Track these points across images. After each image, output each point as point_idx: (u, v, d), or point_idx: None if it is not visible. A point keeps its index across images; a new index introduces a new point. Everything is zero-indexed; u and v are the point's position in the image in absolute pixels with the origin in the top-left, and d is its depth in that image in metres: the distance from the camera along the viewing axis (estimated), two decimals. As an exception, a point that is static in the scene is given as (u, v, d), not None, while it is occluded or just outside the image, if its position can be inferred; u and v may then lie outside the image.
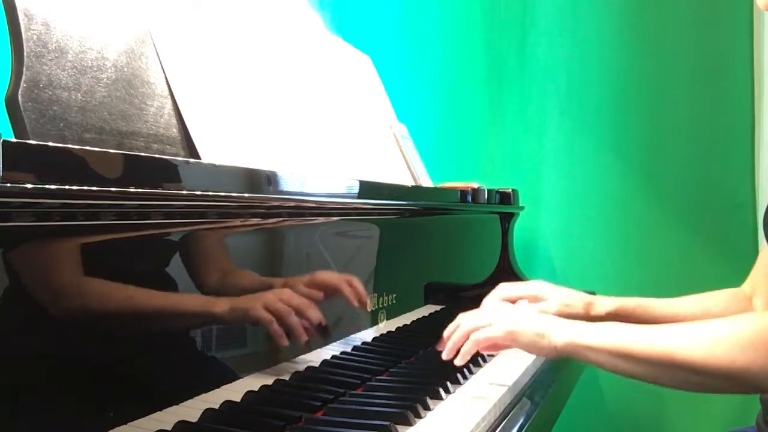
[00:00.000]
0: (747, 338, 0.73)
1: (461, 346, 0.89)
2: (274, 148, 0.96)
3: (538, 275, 1.83)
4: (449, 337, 0.91)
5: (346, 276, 0.98)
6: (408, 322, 1.20)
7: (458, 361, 0.88)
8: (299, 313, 0.84)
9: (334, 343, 0.95)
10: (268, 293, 0.81)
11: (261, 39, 1.08)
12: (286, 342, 0.81)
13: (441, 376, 0.92)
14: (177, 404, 0.67)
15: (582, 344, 0.83)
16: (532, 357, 1.09)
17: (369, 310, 1.06)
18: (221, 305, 0.73)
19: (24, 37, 0.68)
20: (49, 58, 0.69)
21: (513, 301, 1.08)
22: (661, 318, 1.07)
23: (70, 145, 0.53)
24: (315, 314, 0.87)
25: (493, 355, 1.08)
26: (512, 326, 0.87)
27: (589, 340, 0.83)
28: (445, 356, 0.90)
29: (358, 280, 1.00)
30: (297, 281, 0.86)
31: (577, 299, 1.09)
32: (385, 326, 1.11)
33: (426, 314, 1.28)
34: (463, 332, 0.89)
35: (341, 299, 0.97)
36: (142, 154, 0.63)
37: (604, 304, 1.09)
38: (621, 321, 1.07)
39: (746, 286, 1.13)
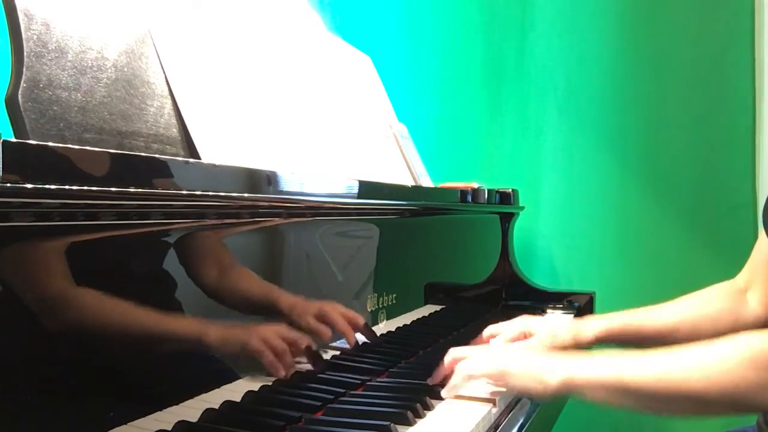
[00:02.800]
0: (748, 361, 0.72)
1: (448, 374, 0.88)
2: (274, 148, 0.96)
3: (538, 275, 1.83)
4: (440, 375, 0.89)
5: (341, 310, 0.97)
6: (408, 322, 1.20)
7: (444, 393, 0.86)
8: (296, 347, 0.84)
9: (334, 343, 0.95)
10: (265, 329, 0.80)
11: (261, 39, 1.08)
12: (282, 373, 0.81)
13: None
14: (177, 404, 0.67)
15: (578, 384, 0.80)
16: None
17: (369, 310, 1.06)
18: (214, 333, 0.73)
19: (24, 37, 0.68)
20: (49, 58, 0.69)
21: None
22: (653, 333, 1.06)
23: (69, 145, 0.53)
24: (311, 349, 0.86)
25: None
26: (507, 368, 0.84)
27: (584, 378, 0.80)
28: (430, 382, 0.89)
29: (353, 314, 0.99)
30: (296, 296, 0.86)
31: (563, 329, 1.08)
32: (385, 326, 1.11)
33: (426, 314, 1.28)
34: (452, 359, 0.87)
35: (341, 299, 0.97)
36: (142, 154, 0.63)
37: (590, 328, 1.08)
38: (610, 341, 1.06)
39: (740, 278, 1.12)
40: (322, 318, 0.91)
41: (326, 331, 0.92)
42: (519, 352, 0.91)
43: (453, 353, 0.89)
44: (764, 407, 0.74)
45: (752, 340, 0.74)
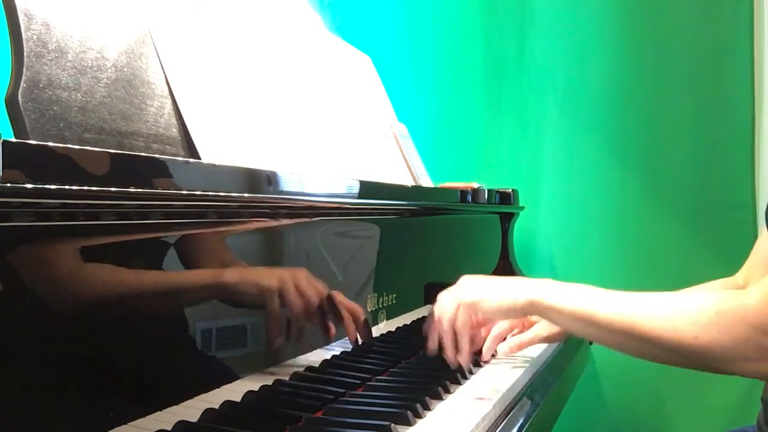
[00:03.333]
0: (712, 316, 0.72)
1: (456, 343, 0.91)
2: (274, 148, 0.96)
3: (538, 275, 1.83)
4: (434, 337, 0.93)
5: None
6: (408, 322, 1.20)
7: (464, 361, 0.89)
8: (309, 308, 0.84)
9: (334, 343, 0.95)
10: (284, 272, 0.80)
11: (261, 39, 1.08)
12: (282, 339, 0.81)
13: (441, 376, 0.92)
14: (177, 404, 0.66)
15: (545, 305, 0.84)
16: (532, 357, 1.09)
17: (369, 310, 1.06)
18: (232, 276, 0.73)
19: (24, 37, 0.68)
20: (49, 58, 0.69)
21: (506, 334, 1.09)
22: None
23: (69, 145, 0.53)
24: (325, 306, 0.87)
25: (493, 356, 1.08)
26: (475, 296, 0.89)
27: (552, 300, 0.83)
28: (449, 356, 0.91)
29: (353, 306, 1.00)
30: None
31: None
32: (385, 326, 1.11)
33: (426, 314, 1.28)
34: (445, 326, 0.92)
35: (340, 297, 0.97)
36: (142, 154, 0.63)
37: None
38: None
39: (739, 276, 1.12)
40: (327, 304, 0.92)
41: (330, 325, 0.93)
42: (488, 281, 0.95)
43: (437, 312, 0.94)
44: (718, 367, 0.74)
45: (724, 298, 0.75)
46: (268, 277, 0.79)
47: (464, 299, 0.92)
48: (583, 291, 0.84)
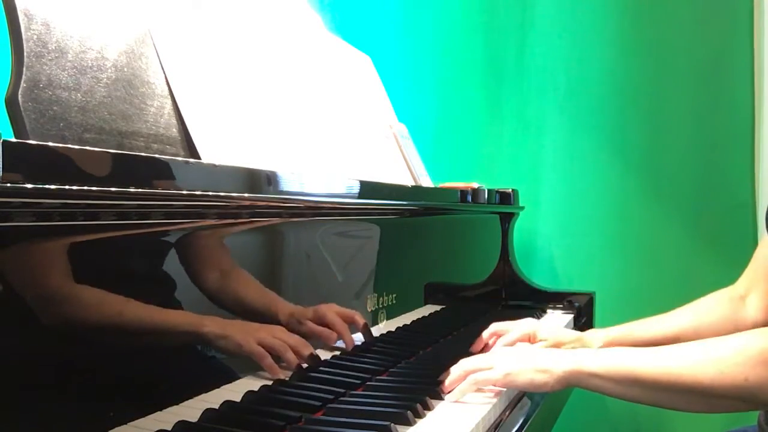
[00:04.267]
0: (758, 355, 0.72)
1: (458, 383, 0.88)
2: (274, 148, 0.96)
3: (538, 275, 1.83)
4: (453, 383, 0.89)
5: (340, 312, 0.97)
6: (408, 322, 1.20)
7: (452, 398, 0.86)
8: (294, 350, 0.83)
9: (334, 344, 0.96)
10: (261, 330, 0.80)
11: (261, 39, 1.08)
12: (278, 374, 0.81)
13: (441, 375, 0.92)
14: (177, 404, 0.67)
15: (586, 372, 0.81)
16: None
17: (369, 310, 1.06)
18: (213, 328, 0.72)
19: (24, 37, 0.68)
20: (49, 58, 0.69)
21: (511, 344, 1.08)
22: (654, 343, 1.06)
23: (70, 145, 0.53)
24: (308, 351, 0.86)
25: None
26: (510, 368, 0.85)
27: (592, 366, 0.81)
28: (446, 390, 0.88)
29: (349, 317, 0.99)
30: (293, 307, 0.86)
31: (568, 338, 1.09)
32: (385, 326, 1.11)
33: (426, 314, 1.28)
34: (462, 371, 0.87)
35: (341, 299, 0.97)
36: (142, 154, 0.63)
37: (594, 338, 1.09)
38: None
39: (740, 284, 1.12)
40: (320, 320, 0.92)
41: (329, 334, 0.92)
42: (528, 352, 0.91)
43: (463, 365, 0.88)
44: None
45: (763, 335, 0.75)
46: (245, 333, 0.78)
47: (500, 365, 0.86)
48: (620, 353, 0.82)
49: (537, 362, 0.84)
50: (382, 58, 1.62)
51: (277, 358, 0.81)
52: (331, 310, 0.94)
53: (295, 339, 0.84)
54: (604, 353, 0.83)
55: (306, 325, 0.88)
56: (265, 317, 0.82)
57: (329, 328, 0.93)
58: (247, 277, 0.80)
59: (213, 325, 0.72)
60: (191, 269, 0.70)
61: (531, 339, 1.10)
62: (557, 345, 1.07)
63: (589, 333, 1.12)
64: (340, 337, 0.95)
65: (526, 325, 1.13)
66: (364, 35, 1.76)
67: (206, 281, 0.72)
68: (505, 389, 0.89)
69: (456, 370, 0.88)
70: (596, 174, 1.87)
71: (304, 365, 0.85)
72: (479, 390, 0.87)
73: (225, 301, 0.75)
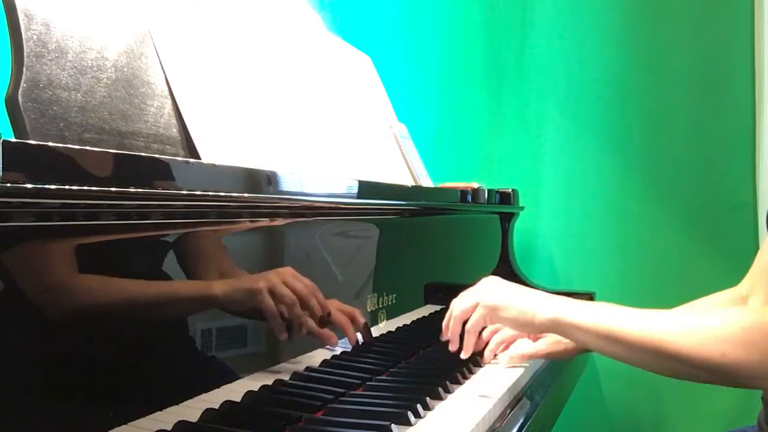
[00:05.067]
0: (740, 332, 0.72)
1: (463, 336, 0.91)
2: (274, 149, 0.96)
3: (538, 275, 1.84)
4: (447, 329, 0.92)
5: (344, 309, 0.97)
6: (408, 322, 1.20)
7: (464, 355, 0.89)
8: (303, 304, 0.83)
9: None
10: (271, 275, 0.80)
11: (261, 39, 1.08)
12: (283, 334, 0.81)
13: (441, 376, 0.92)
14: (177, 404, 0.67)
15: (569, 322, 0.82)
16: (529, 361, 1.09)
17: (369, 310, 1.06)
18: (221, 288, 0.73)
19: (24, 37, 0.68)
20: (49, 58, 0.69)
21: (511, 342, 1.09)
22: None
23: (69, 145, 0.53)
24: (314, 300, 0.86)
25: (494, 356, 1.08)
26: (495, 301, 0.87)
27: (576, 318, 0.82)
28: (452, 348, 0.91)
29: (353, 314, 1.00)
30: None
31: None
32: (385, 326, 1.11)
33: (426, 314, 1.28)
34: (457, 321, 0.91)
35: (341, 299, 0.97)
36: (142, 154, 0.63)
37: None
38: None
39: (743, 285, 1.12)
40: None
41: (330, 336, 0.93)
42: (509, 288, 0.93)
43: (453, 313, 0.93)
44: (746, 382, 0.75)
45: (750, 314, 0.75)
46: (255, 279, 0.79)
47: (484, 301, 0.91)
48: (606, 309, 0.83)
49: (523, 304, 0.86)
50: (382, 58, 1.62)
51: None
52: (332, 306, 0.94)
53: (303, 285, 0.83)
54: (589, 306, 0.84)
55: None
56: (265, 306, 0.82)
57: (331, 324, 0.93)
58: (247, 266, 0.79)
59: (221, 284, 0.73)
60: (191, 269, 0.70)
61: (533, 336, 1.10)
62: (555, 345, 1.06)
63: None
64: (342, 331, 0.95)
65: None
66: (364, 35, 1.76)
67: (206, 280, 0.72)
68: (507, 389, 0.89)
69: (451, 321, 0.92)
70: (596, 174, 1.87)
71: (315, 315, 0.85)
72: (480, 394, 0.87)
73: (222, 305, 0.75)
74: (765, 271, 1.08)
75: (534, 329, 0.85)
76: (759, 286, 1.09)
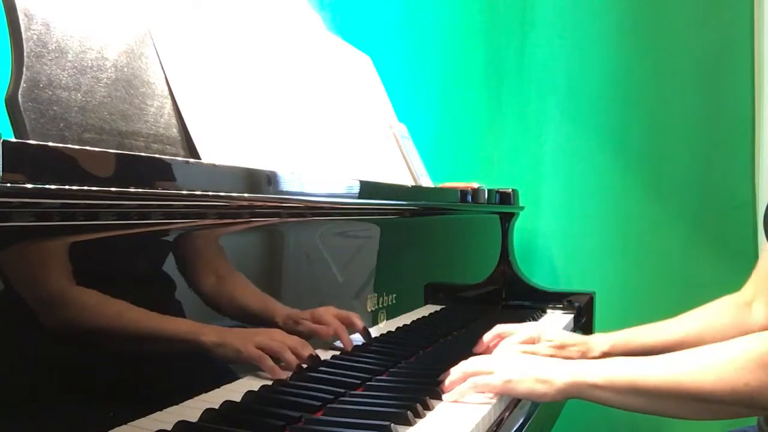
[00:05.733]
0: (757, 359, 0.72)
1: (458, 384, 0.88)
2: (275, 148, 0.96)
3: (538, 275, 1.83)
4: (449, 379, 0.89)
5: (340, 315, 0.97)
6: (408, 322, 1.20)
7: (450, 398, 0.86)
8: (293, 351, 0.83)
9: (334, 343, 0.95)
10: (259, 334, 0.80)
11: (261, 39, 1.08)
12: (279, 374, 0.81)
13: (441, 376, 0.92)
14: (177, 404, 0.67)
15: (586, 383, 0.80)
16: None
17: (369, 310, 1.06)
18: (211, 337, 0.72)
19: (24, 37, 0.68)
20: (49, 58, 0.69)
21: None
22: (658, 347, 1.05)
23: (69, 145, 0.53)
24: (307, 351, 0.86)
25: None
26: (510, 376, 0.84)
27: (593, 377, 0.80)
28: (445, 390, 0.88)
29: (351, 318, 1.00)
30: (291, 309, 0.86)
31: (573, 339, 1.09)
32: (385, 326, 1.11)
33: (426, 314, 1.28)
34: (462, 373, 0.87)
35: (341, 299, 0.97)
36: (142, 154, 0.63)
37: (599, 343, 1.08)
38: (617, 356, 1.07)
39: (746, 290, 1.12)
40: (317, 321, 0.92)
41: (325, 330, 0.92)
42: (530, 360, 0.90)
43: (463, 367, 0.88)
44: None
45: (761, 339, 0.74)
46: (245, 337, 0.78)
47: (500, 371, 0.85)
48: (622, 363, 0.82)
49: (538, 372, 0.84)
50: (382, 58, 1.62)
51: (277, 360, 0.81)
52: (328, 313, 0.94)
53: (293, 340, 0.84)
54: (604, 363, 0.82)
55: (303, 325, 0.88)
56: (263, 319, 0.82)
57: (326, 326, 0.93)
58: (245, 278, 0.79)
59: (211, 333, 0.72)
60: (191, 269, 0.70)
61: (535, 342, 1.09)
62: (562, 347, 1.06)
63: (595, 337, 1.11)
64: (337, 338, 0.95)
65: (530, 328, 1.12)
66: (364, 35, 1.76)
67: (206, 281, 0.72)
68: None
69: (456, 371, 0.88)
70: (596, 174, 1.87)
71: (304, 365, 0.85)
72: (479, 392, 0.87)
73: (224, 301, 0.75)
74: (765, 279, 1.08)
75: (554, 396, 0.83)
76: (762, 291, 1.09)
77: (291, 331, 0.85)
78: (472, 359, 0.91)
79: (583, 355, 1.07)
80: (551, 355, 1.02)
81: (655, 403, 0.78)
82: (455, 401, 0.85)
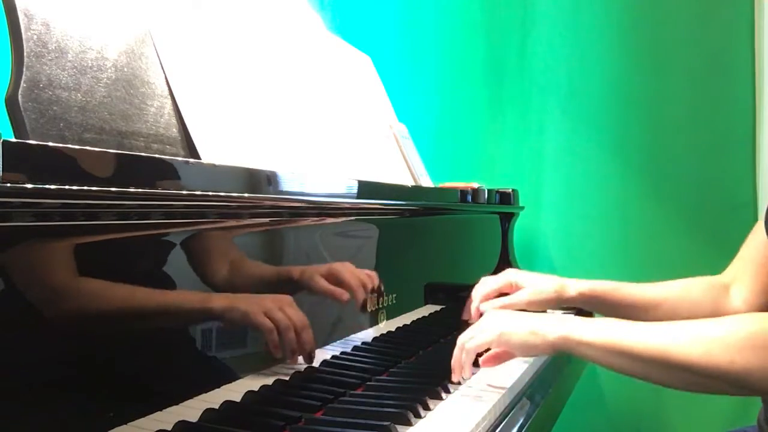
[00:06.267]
0: (746, 339, 0.72)
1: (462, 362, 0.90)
2: (274, 148, 0.96)
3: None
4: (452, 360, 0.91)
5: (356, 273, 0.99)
6: (408, 322, 1.20)
7: (454, 377, 0.88)
8: (296, 330, 0.84)
9: (334, 343, 0.95)
10: (269, 301, 0.80)
11: (261, 39, 1.08)
12: (279, 353, 0.81)
13: (441, 376, 0.92)
14: (177, 404, 0.67)
15: (576, 339, 0.83)
16: (531, 358, 1.09)
17: (369, 310, 1.06)
18: (220, 303, 0.73)
19: (24, 37, 0.68)
20: (49, 58, 0.69)
21: (493, 296, 1.10)
22: (634, 304, 1.08)
23: (70, 145, 0.53)
24: (308, 335, 0.86)
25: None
26: (503, 328, 0.87)
27: (583, 335, 0.82)
28: (455, 379, 0.90)
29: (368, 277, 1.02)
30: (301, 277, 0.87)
31: (548, 283, 1.10)
32: (385, 326, 1.11)
33: (426, 314, 1.28)
34: (461, 347, 0.89)
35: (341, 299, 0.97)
36: (142, 154, 0.63)
37: (575, 286, 1.10)
38: (593, 302, 1.10)
39: (727, 274, 1.13)
40: (333, 279, 0.93)
41: (341, 293, 0.94)
42: (520, 315, 0.93)
43: (459, 343, 0.91)
44: (757, 388, 0.75)
45: (756, 319, 0.75)
46: (252, 301, 0.79)
47: (492, 327, 0.89)
48: (613, 324, 0.83)
49: (532, 325, 0.87)
50: (382, 58, 1.62)
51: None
52: (345, 268, 0.96)
53: (300, 318, 0.84)
54: (597, 323, 0.85)
55: (318, 282, 0.90)
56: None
57: (341, 286, 0.95)
58: (245, 278, 0.79)
59: (219, 299, 0.73)
60: (191, 269, 0.70)
61: (513, 287, 1.11)
62: (538, 294, 1.08)
63: (570, 282, 1.11)
64: (352, 294, 0.97)
65: (506, 275, 1.13)
66: (364, 35, 1.76)
67: (206, 281, 0.72)
68: (506, 389, 0.89)
69: (456, 350, 0.91)
70: (597, 174, 1.86)
71: (300, 357, 0.85)
72: (480, 394, 0.87)
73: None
74: (750, 262, 1.09)
75: (544, 349, 0.85)
76: (743, 275, 1.09)
77: (303, 301, 0.85)
78: (464, 333, 0.93)
79: (559, 294, 1.09)
80: (532, 300, 1.06)
81: (642, 366, 0.79)
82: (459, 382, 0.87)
